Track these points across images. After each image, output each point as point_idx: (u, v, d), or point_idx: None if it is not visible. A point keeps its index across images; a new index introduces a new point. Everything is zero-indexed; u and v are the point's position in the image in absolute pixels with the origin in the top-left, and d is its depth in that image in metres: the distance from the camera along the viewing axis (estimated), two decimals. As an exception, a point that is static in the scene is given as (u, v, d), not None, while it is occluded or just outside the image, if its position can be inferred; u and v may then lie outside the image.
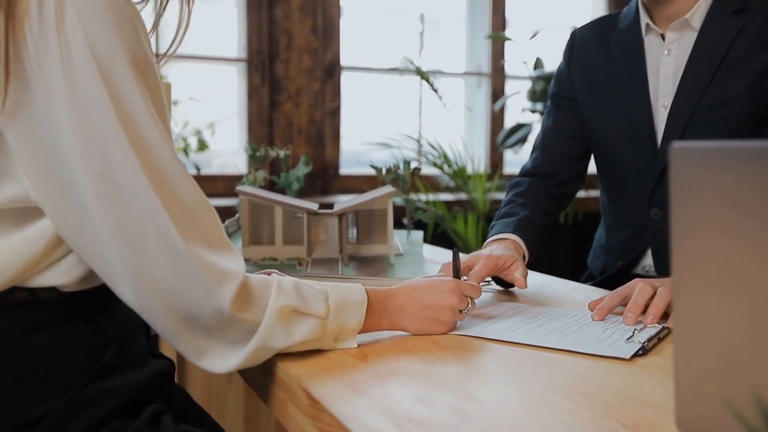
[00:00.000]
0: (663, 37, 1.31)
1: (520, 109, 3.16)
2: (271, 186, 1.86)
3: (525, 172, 1.47)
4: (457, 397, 0.70)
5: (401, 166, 1.54)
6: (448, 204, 2.76)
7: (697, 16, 1.26)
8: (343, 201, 1.41)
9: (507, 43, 3.21)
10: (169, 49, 0.88)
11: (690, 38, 1.27)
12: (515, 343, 0.89)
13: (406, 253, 1.39)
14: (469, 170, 2.73)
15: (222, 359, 0.75)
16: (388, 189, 1.37)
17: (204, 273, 0.72)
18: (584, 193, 3.08)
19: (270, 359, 0.83)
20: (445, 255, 1.61)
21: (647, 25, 1.32)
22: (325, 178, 2.91)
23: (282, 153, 1.55)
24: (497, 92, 3.27)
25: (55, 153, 0.70)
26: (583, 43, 1.45)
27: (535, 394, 0.72)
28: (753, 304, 0.53)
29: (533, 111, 3.03)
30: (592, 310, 1.03)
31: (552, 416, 0.65)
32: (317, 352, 0.83)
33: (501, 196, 2.85)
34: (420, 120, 3.15)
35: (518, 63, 3.20)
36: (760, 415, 0.35)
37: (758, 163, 0.50)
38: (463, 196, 2.74)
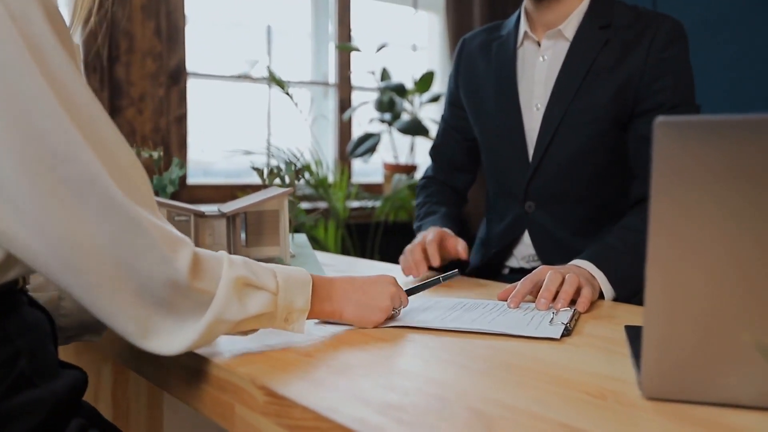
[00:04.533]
0: (539, 44, 1.40)
1: (368, 119, 3.22)
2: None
3: (427, 177, 1.65)
4: (422, 382, 0.70)
5: (283, 168, 1.50)
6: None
7: (569, 27, 1.37)
8: (232, 203, 1.35)
9: (353, 55, 3.26)
10: None
11: (563, 47, 1.37)
12: (442, 330, 0.90)
13: (298, 255, 1.35)
14: (330, 179, 2.73)
15: (173, 337, 0.69)
16: (279, 190, 1.33)
17: (156, 238, 0.66)
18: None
19: (201, 361, 0.78)
20: (329, 257, 1.59)
21: (525, 32, 1.41)
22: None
23: (155, 154, 1.45)
24: (344, 102, 3.30)
25: None
26: (470, 50, 1.54)
27: (492, 375, 0.72)
28: (725, 273, 0.58)
29: (382, 121, 3.10)
30: (502, 300, 1.07)
31: (524, 394, 0.67)
32: (260, 351, 0.79)
33: (356, 204, 2.88)
34: (269, 129, 3.10)
35: (363, 74, 3.25)
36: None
37: (738, 135, 0.54)
38: (320, 204, 2.73)
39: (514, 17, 1.47)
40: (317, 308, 0.84)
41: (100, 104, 0.67)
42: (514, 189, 1.43)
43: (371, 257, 2.77)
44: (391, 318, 0.94)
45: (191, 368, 0.80)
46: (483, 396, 0.66)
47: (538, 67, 1.40)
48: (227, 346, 0.82)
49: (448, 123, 1.61)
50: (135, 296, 0.66)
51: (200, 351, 0.79)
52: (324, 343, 0.84)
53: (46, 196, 0.62)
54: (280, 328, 0.80)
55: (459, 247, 1.28)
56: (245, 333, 0.78)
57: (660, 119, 0.55)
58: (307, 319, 0.82)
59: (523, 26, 1.42)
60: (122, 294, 0.65)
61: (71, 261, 0.63)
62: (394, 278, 0.94)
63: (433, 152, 1.66)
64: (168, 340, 0.69)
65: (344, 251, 2.71)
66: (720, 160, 0.55)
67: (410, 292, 0.99)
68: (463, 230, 1.54)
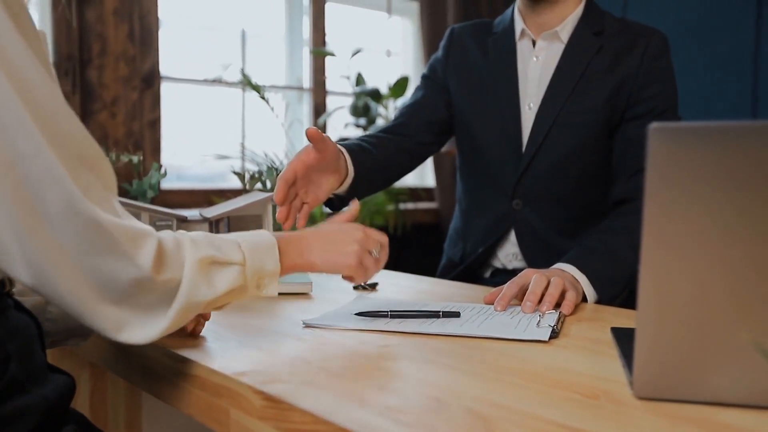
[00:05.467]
0: (534, 43, 1.42)
1: (343, 123, 3.22)
2: (122, 194, 1.72)
3: (384, 129, 1.46)
4: (417, 384, 0.70)
5: (264, 172, 1.50)
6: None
7: (565, 30, 1.40)
8: (215, 207, 1.34)
9: (327, 59, 3.26)
10: None
11: (557, 49, 1.40)
12: (432, 334, 0.91)
13: (281, 259, 1.35)
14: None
15: (147, 328, 0.71)
16: (261, 194, 1.33)
17: (118, 238, 0.66)
18: (413, 205, 3.21)
19: (194, 366, 0.78)
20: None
21: (522, 30, 1.43)
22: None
23: (135, 159, 1.44)
24: (319, 107, 3.30)
25: None
26: (462, 41, 1.51)
27: (485, 377, 0.73)
28: (716, 275, 0.60)
29: (357, 126, 3.10)
30: (488, 303, 1.08)
31: (518, 395, 0.68)
32: (254, 355, 0.79)
33: (332, 208, 2.88)
34: (243, 133, 3.09)
35: (338, 79, 3.26)
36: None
37: (732, 142, 0.56)
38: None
39: (507, 16, 1.48)
40: (288, 265, 0.84)
41: (61, 95, 0.66)
42: (502, 185, 1.43)
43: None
44: (372, 262, 0.92)
45: (184, 374, 0.80)
46: (478, 397, 0.67)
47: (532, 66, 1.42)
48: (220, 351, 0.82)
49: (425, 93, 1.51)
50: (102, 296, 0.67)
51: (192, 356, 0.79)
52: (317, 348, 0.84)
53: (9, 197, 0.62)
54: (253, 297, 0.81)
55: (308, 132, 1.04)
56: (219, 308, 0.80)
57: (654, 125, 0.57)
58: (281, 275, 0.83)
59: (519, 24, 1.43)
60: (89, 294, 0.66)
61: (39, 265, 0.64)
62: (361, 225, 0.94)
63: (405, 109, 1.50)
64: (141, 331, 0.70)
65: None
66: (713, 166, 0.57)
67: (406, 316, 0.99)
68: (383, 178, 1.40)
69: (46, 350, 0.79)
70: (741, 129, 0.55)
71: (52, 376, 0.76)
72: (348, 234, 0.90)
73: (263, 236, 0.82)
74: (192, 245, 0.74)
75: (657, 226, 0.60)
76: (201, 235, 0.76)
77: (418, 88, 1.55)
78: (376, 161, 1.33)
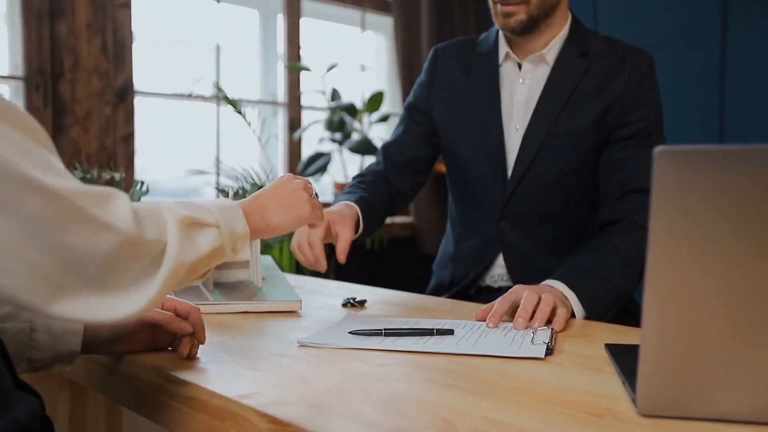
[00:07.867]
0: (519, 65, 1.43)
1: (318, 138, 3.22)
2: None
3: (375, 171, 1.55)
4: (421, 405, 0.70)
5: (249, 188, 1.49)
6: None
7: (551, 53, 1.41)
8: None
9: (302, 74, 3.26)
10: None
11: (543, 71, 1.41)
12: (427, 353, 0.91)
13: (267, 277, 1.34)
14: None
15: (132, 300, 0.66)
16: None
17: (86, 208, 0.62)
18: (390, 220, 3.22)
19: (194, 389, 0.77)
20: (298, 279, 1.58)
21: (507, 53, 1.43)
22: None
23: (118, 176, 1.42)
24: (294, 121, 3.30)
25: None
26: (446, 62, 1.51)
27: (488, 396, 0.74)
28: (720, 295, 0.61)
29: (333, 140, 3.10)
30: (480, 320, 1.08)
31: (525, 414, 0.68)
32: (253, 376, 0.78)
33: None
34: (218, 148, 3.07)
35: (312, 93, 3.26)
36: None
37: (737, 165, 0.57)
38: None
39: (491, 36, 1.48)
40: (254, 228, 0.85)
41: None
42: (489, 208, 1.44)
43: (326, 277, 2.76)
44: (318, 203, 0.98)
45: (182, 397, 0.79)
46: (486, 417, 0.67)
47: (518, 89, 1.42)
48: (218, 373, 0.81)
49: (406, 128, 1.56)
50: (79, 277, 0.62)
51: (190, 378, 0.79)
52: (317, 368, 0.84)
53: None
54: (229, 260, 0.81)
55: (338, 250, 1.22)
56: (201, 276, 0.78)
57: (660, 148, 0.58)
58: (251, 239, 0.84)
59: (504, 47, 1.43)
60: (65, 280, 0.62)
61: (11, 263, 0.59)
62: (291, 174, 0.97)
63: (386, 149, 1.57)
64: (130, 302, 0.66)
65: (299, 271, 2.69)
66: (718, 189, 0.58)
67: (400, 333, 0.99)
68: (380, 223, 1.49)
69: (14, 367, 0.74)
70: (746, 153, 0.56)
71: (22, 396, 0.72)
72: (289, 186, 0.94)
73: (225, 201, 0.83)
74: (169, 208, 0.73)
75: (662, 247, 0.61)
76: (172, 201, 0.76)
77: (401, 121, 1.59)
78: (377, 212, 1.43)
